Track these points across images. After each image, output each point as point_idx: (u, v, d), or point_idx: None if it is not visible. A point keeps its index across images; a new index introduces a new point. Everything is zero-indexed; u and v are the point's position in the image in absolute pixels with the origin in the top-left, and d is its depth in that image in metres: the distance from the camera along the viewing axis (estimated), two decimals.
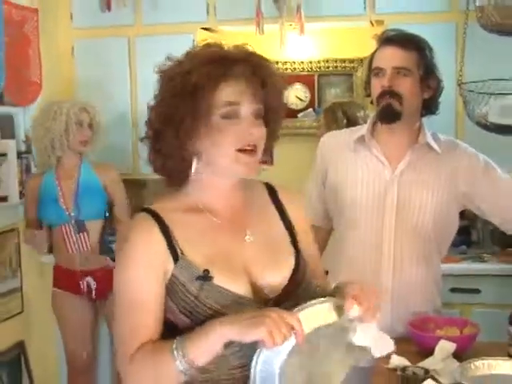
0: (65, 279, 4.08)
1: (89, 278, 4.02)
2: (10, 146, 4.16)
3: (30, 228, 4.13)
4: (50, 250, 4.56)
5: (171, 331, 1.75)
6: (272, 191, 2.00)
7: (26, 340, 4.39)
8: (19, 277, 4.36)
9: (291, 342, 1.56)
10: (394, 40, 2.69)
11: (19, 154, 4.25)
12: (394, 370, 2.30)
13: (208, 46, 1.82)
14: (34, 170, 4.36)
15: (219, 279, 1.74)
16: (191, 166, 1.81)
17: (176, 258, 1.76)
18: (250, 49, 1.84)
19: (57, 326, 4.46)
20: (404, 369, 2.27)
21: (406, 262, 2.73)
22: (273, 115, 1.85)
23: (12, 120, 4.34)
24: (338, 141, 2.92)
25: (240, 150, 1.78)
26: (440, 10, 4.29)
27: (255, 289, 1.79)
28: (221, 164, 1.80)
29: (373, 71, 2.71)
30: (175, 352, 1.63)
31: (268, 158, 1.94)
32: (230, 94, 1.75)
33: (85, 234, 3.98)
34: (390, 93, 2.65)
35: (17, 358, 4.31)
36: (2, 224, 4.13)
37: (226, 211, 1.86)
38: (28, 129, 4.41)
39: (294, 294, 1.81)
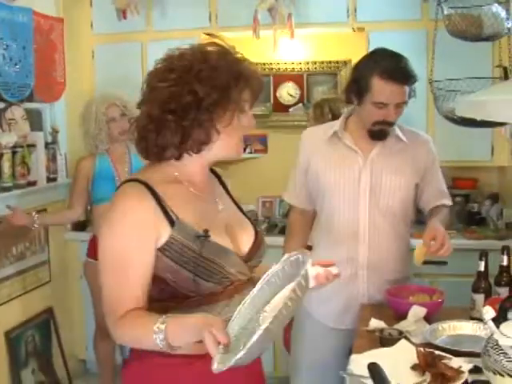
0: None
1: None
2: (39, 138, 4.17)
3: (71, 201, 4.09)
4: (75, 228, 4.59)
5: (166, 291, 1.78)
6: (215, 173, 2.07)
7: (54, 306, 4.42)
8: (47, 251, 4.37)
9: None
10: (395, 77, 2.59)
11: (46, 145, 4.25)
12: (373, 331, 2.35)
13: (214, 44, 1.85)
14: (58, 158, 4.37)
15: (214, 237, 1.78)
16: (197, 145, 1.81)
17: (172, 222, 1.74)
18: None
19: (83, 294, 4.50)
20: (381, 330, 2.31)
21: (378, 237, 2.76)
22: None
23: (40, 115, 4.37)
24: (316, 135, 2.92)
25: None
26: (413, 18, 4.29)
27: (235, 246, 1.87)
28: (226, 151, 1.86)
29: (375, 104, 2.63)
30: (156, 335, 1.60)
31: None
32: (249, 97, 1.83)
33: None
34: (389, 123, 2.68)
35: (46, 322, 4.34)
36: (32, 205, 4.13)
37: (201, 184, 1.90)
38: (54, 122, 4.42)
39: (257, 253, 1.93)
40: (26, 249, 4.13)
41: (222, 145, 1.83)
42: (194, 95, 1.74)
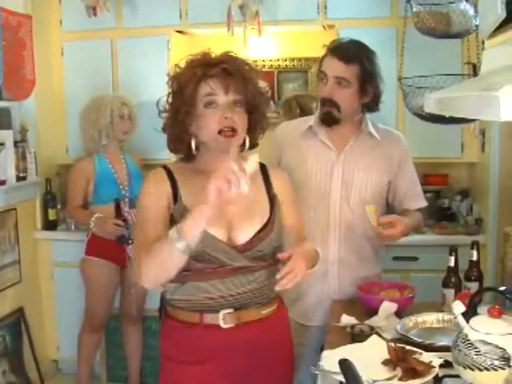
0: (106, 248, 3.96)
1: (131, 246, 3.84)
2: (8, 136, 4.13)
3: (73, 204, 4.14)
4: (45, 227, 4.54)
5: None
6: (263, 167, 2.24)
7: (25, 306, 4.38)
8: (17, 251, 4.33)
9: None
10: (338, 52, 2.69)
11: (15, 143, 4.21)
12: (344, 327, 2.36)
13: (200, 54, 2.09)
14: (28, 156, 4.33)
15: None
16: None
17: (176, 201, 2.06)
18: (233, 54, 2.10)
19: (54, 294, 4.54)
20: (353, 326, 2.32)
21: (349, 233, 2.77)
22: (251, 104, 2.09)
23: (9, 113, 4.30)
24: (291, 129, 2.94)
25: (220, 132, 2.02)
26: (383, 15, 4.31)
27: (230, 236, 2.08)
28: (207, 143, 2.07)
29: (319, 74, 2.74)
30: (172, 234, 1.87)
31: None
32: (208, 88, 2.03)
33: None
34: (329, 101, 2.69)
35: (17, 322, 4.30)
36: (2, 204, 4.10)
37: None
38: (23, 120, 4.37)
39: (256, 246, 2.09)
40: None
41: (203, 142, 2.08)
42: None
